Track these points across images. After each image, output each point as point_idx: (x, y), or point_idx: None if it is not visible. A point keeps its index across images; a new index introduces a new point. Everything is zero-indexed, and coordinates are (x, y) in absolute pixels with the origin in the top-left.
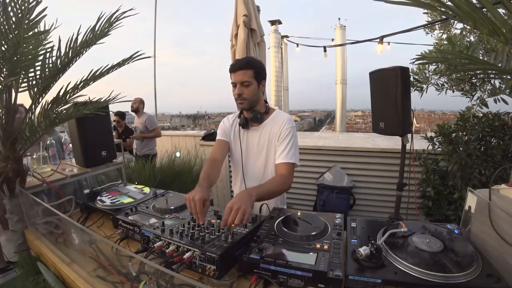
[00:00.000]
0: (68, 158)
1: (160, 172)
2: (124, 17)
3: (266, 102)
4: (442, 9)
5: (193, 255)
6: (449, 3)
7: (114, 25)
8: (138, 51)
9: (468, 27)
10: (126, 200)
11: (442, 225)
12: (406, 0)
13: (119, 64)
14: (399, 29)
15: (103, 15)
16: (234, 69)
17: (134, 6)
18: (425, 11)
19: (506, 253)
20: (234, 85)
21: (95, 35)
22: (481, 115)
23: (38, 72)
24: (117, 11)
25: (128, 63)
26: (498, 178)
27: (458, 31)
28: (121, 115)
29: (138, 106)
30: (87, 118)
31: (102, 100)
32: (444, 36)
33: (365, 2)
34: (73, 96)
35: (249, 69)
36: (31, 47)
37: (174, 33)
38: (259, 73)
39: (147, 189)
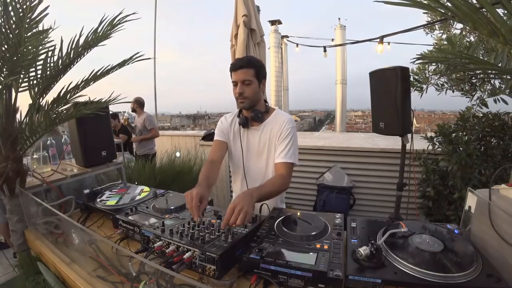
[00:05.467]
0: (68, 158)
1: (160, 172)
2: (126, 21)
3: (266, 101)
4: (441, 10)
5: (193, 255)
6: (448, 4)
7: (116, 28)
8: (138, 52)
9: (468, 27)
10: (112, 202)
11: (442, 225)
12: (405, 1)
13: (120, 65)
14: (399, 29)
15: (105, 18)
16: (235, 67)
17: (135, 7)
18: (425, 11)
19: (506, 253)
20: (235, 84)
21: (97, 37)
22: (481, 115)
23: (39, 72)
24: (119, 14)
25: (128, 63)
26: (498, 178)
27: (458, 31)
28: (112, 115)
29: (133, 106)
30: (87, 118)
31: (102, 101)
32: (444, 36)
33: (365, 2)
34: (74, 96)
35: (250, 68)
36: (31, 47)
37: (174, 33)
38: (260, 72)
39: (144, 194)
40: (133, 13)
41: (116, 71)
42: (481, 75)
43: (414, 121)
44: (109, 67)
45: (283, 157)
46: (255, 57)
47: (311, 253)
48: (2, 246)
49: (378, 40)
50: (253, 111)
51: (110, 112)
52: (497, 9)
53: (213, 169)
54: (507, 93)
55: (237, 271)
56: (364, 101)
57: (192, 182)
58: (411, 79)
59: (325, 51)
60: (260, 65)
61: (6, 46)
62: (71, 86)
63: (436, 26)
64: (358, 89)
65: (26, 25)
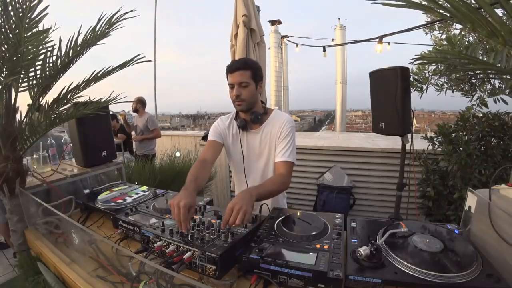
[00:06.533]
0: (68, 158)
1: (160, 172)
2: (125, 18)
3: (263, 103)
4: (440, 11)
5: (193, 255)
6: (446, 5)
7: (114, 26)
8: (139, 54)
9: (467, 28)
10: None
11: (442, 225)
12: (403, 3)
13: (121, 66)
14: (399, 29)
15: (103, 16)
16: (231, 69)
17: (135, 7)
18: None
19: (506, 253)
20: (232, 86)
21: (96, 36)
22: (481, 115)
23: (38, 72)
24: (117, 12)
25: (129, 65)
26: (498, 178)
27: (457, 31)
28: (110, 116)
29: (136, 105)
30: (87, 118)
31: (102, 100)
32: (443, 36)
33: (365, 2)
34: (74, 96)
35: (246, 69)
36: (30, 47)
37: (174, 33)
38: (257, 73)
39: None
40: (131, 11)
41: (117, 71)
42: (481, 75)
43: (414, 121)
44: (110, 68)
45: (283, 156)
46: (251, 58)
47: (311, 253)
48: (2, 246)
49: (377, 40)
50: (252, 114)
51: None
52: (496, 10)
53: (204, 169)
54: (507, 93)
55: (237, 271)
56: (364, 101)
57: None
58: (411, 79)
59: (324, 50)
60: (257, 66)
61: (6, 46)
62: (72, 86)
63: (436, 26)
64: (358, 89)
65: (26, 25)
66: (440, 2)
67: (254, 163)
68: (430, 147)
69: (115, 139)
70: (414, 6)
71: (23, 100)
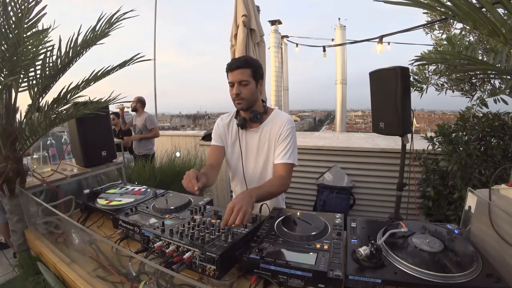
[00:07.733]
0: (68, 158)
1: (160, 172)
2: (124, 18)
3: (263, 101)
4: (442, 9)
5: (193, 255)
6: (448, 3)
7: (114, 25)
8: (139, 53)
9: (468, 27)
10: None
11: (442, 225)
12: (405, 1)
13: (120, 65)
14: (399, 29)
15: (103, 16)
16: (231, 68)
17: (135, 7)
18: (425, 11)
19: (506, 253)
20: (232, 84)
21: (96, 36)
22: (481, 115)
23: (38, 72)
24: (117, 11)
25: (128, 64)
26: (498, 178)
27: (457, 31)
28: (116, 114)
29: (135, 105)
30: (87, 118)
31: (102, 100)
32: (444, 36)
33: (365, 2)
34: (74, 96)
35: (247, 68)
36: (30, 46)
37: (174, 33)
38: (257, 71)
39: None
40: (131, 10)
41: (117, 71)
42: (481, 75)
43: (414, 121)
44: (109, 68)
45: (283, 158)
46: (252, 56)
47: (311, 253)
48: (2, 246)
49: (377, 40)
50: (251, 112)
51: (110, 112)
52: (497, 9)
53: (212, 172)
54: (507, 93)
55: (237, 271)
56: (364, 101)
57: None
58: (411, 79)
59: (324, 50)
60: (257, 64)
61: (5, 46)
62: (71, 86)
63: (436, 26)
64: (358, 89)
65: (25, 25)
66: (442, 1)
67: (252, 162)
68: (430, 147)
69: (116, 140)
70: (416, 4)
71: (23, 100)
